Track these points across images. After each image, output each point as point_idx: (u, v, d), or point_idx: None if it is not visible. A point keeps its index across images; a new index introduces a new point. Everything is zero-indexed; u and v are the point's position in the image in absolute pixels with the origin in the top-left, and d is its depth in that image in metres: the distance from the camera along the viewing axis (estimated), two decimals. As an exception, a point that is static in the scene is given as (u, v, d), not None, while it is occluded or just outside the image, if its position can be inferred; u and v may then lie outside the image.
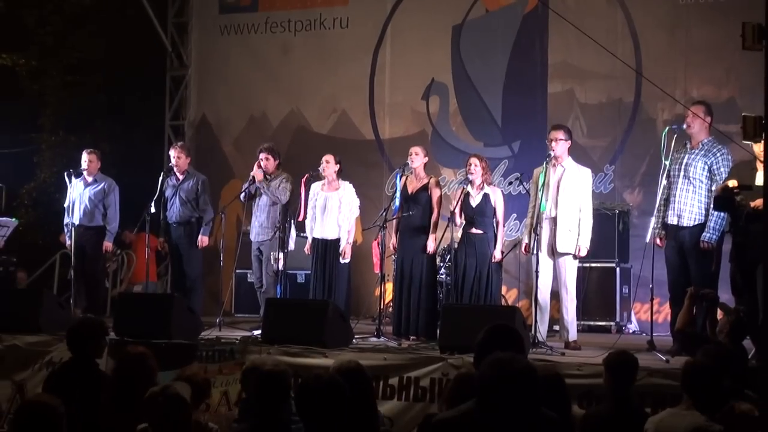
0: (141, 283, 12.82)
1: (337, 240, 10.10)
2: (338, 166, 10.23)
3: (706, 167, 8.62)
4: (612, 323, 10.91)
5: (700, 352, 5.90)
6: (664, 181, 8.76)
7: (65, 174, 11.23)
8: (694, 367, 5.44)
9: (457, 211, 9.49)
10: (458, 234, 9.59)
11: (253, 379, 5.42)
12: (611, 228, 10.97)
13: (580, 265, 9.55)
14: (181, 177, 10.94)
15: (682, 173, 8.69)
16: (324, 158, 10.22)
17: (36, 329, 9.33)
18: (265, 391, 5.07)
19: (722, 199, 7.85)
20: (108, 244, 11.19)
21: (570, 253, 9.08)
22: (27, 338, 9.22)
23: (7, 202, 13.52)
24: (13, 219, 12.12)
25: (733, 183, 7.86)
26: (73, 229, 11.06)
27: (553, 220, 9.10)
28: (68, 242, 11.17)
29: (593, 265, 10.76)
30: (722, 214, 8.22)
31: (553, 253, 9.10)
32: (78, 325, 6.97)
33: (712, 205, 8.26)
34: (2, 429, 8.79)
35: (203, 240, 10.82)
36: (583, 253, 9.12)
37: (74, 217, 11.11)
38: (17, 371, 9.09)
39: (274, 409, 5.03)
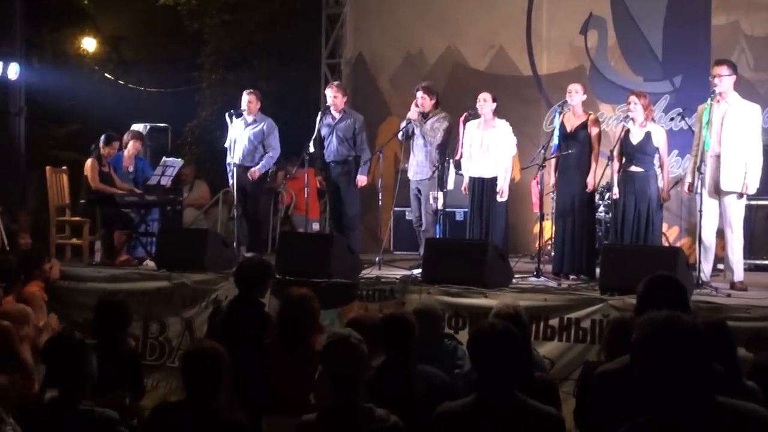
0: (302, 220, 12.98)
1: (495, 178, 10.06)
2: (495, 104, 10.15)
3: None
4: (781, 263, 10.57)
5: None
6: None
7: (226, 114, 11.39)
8: None
9: (615, 152, 9.33)
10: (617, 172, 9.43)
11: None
12: (780, 165, 10.59)
13: (747, 203, 9.28)
14: (337, 116, 10.97)
15: None
16: (480, 96, 10.14)
17: (202, 267, 9.60)
18: (388, 334, 5.20)
19: None
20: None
21: (735, 192, 8.83)
22: (194, 276, 9.48)
23: (172, 140, 13.83)
24: (179, 159, 12.38)
25: None
26: (234, 168, 11.25)
27: (717, 158, 8.85)
28: (231, 181, 11.38)
29: (760, 202, 10.42)
30: None
31: (717, 191, 8.87)
32: (246, 266, 7.19)
33: None
34: (173, 363, 9.13)
35: (361, 179, 10.85)
36: (751, 191, 8.86)
37: (235, 157, 11.29)
38: (185, 308, 9.38)
39: (399, 349, 5.18)
